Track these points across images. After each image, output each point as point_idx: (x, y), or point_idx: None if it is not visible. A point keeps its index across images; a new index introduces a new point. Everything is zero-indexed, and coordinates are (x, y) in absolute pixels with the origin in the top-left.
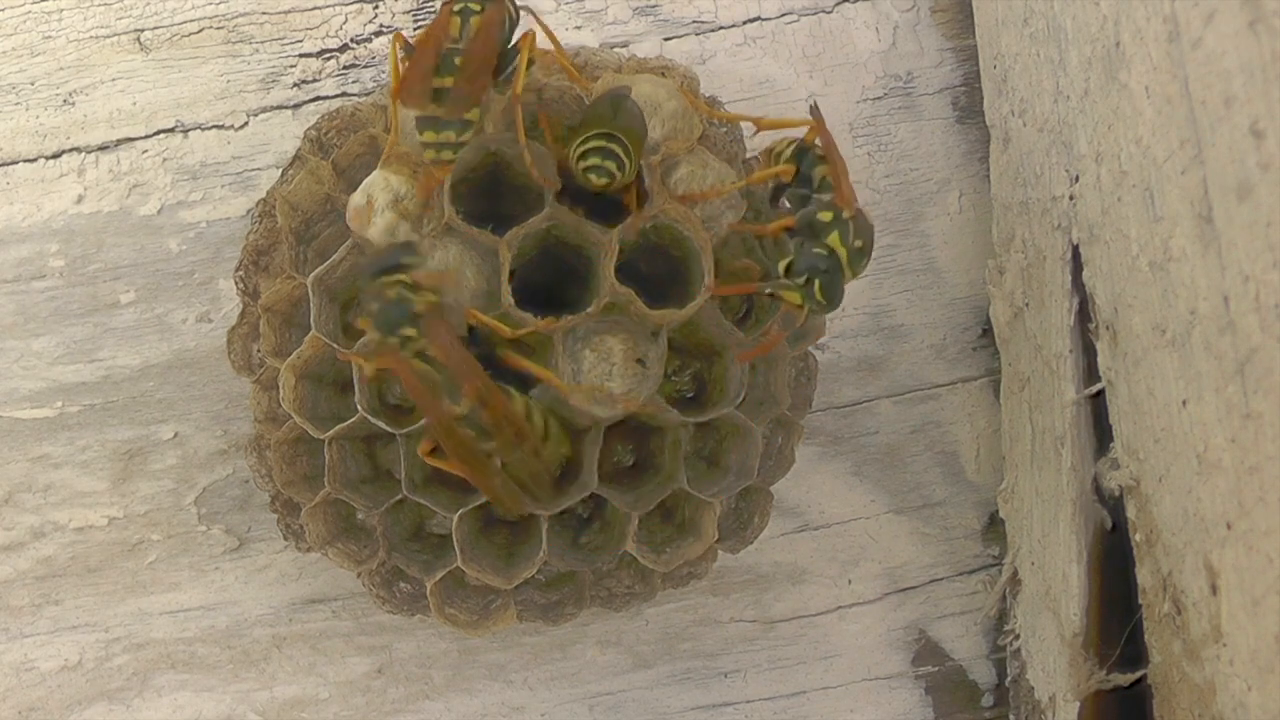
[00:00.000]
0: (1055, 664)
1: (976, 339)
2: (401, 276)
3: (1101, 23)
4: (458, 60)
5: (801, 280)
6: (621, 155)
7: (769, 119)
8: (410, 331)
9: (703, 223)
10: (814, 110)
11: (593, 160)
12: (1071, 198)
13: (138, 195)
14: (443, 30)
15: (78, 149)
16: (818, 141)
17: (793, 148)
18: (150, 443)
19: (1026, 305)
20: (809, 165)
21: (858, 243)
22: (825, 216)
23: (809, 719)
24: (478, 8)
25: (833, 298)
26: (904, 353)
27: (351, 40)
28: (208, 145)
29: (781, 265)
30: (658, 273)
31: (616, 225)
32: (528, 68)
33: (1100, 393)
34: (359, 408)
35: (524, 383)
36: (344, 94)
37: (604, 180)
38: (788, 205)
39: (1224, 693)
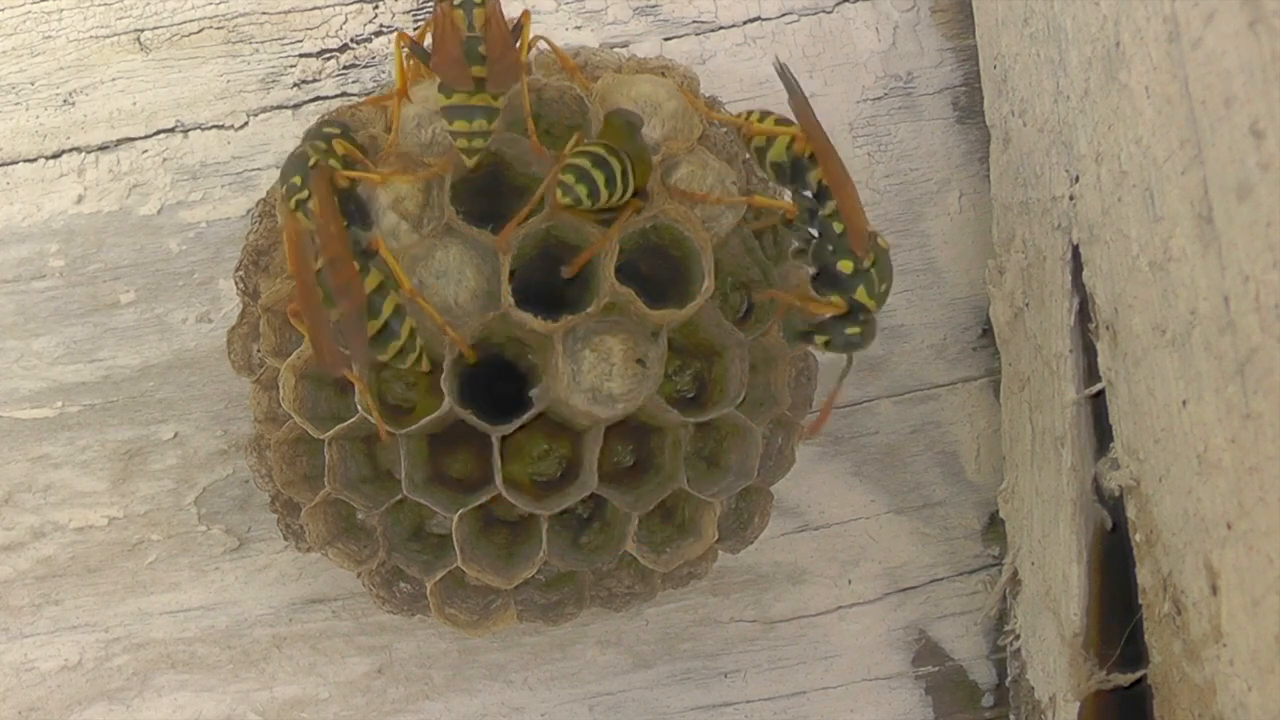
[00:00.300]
0: (1055, 664)
1: (976, 339)
2: (319, 143)
3: (1101, 23)
4: (481, 49)
5: (839, 351)
6: (600, 183)
7: (761, 126)
8: (297, 179)
9: (703, 223)
10: (781, 71)
11: (567, 177)
12: (1071, 198)
13: (138, 195)
14: (449, 24)
15: (78, 149)
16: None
17: (786, 150)
18: (150, 443)
19: (1026, 305)
20: (801, 171)
21: (883, 287)
22: (846, 268)
23: (809, 719)
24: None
25: (866, 348)
26: (904, 353)
27: (351, 40)
28: (208, 145)
29: (820, 341)
30: (658, 273)
31: (616, 225)
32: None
33: (1100, 393)
34: (359, 408)
35: (523, 380)
36: (344, 94)
37: (567, 200)
38: (797, 244)
39: (1224, 693)
